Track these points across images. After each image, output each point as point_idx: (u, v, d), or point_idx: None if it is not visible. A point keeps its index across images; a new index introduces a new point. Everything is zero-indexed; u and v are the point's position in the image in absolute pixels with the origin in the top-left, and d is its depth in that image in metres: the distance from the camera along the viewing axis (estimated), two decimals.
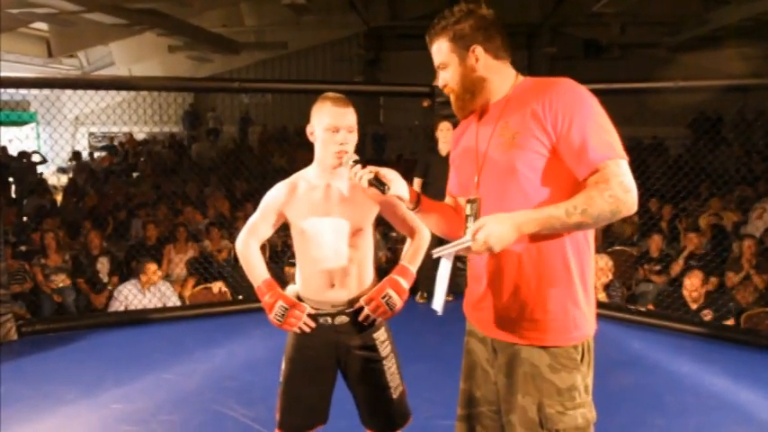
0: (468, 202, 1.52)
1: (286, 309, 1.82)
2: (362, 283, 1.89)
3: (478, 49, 1.48)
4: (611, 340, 3.92)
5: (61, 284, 5.00)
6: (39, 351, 3.69)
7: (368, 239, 1.89)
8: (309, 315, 1.85)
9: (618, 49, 13.97)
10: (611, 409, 2.91)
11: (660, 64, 12.70)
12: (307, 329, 1.84)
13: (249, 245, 1.93)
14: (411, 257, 1.94)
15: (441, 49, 1.52)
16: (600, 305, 4.37)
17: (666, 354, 3.72)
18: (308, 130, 1.84)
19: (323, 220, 1.83)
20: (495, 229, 1.30)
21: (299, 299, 1.90)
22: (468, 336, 1.65)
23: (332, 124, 1.76)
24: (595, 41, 13.81)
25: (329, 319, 1.86)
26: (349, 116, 1.78)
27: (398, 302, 1.84)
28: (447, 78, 1.54)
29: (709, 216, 6.32)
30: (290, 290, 1.92)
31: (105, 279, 5.15)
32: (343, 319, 1.86)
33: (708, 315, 4.28)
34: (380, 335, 1.92)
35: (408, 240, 1.99)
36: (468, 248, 1.34)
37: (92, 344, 3.85)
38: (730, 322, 4.27)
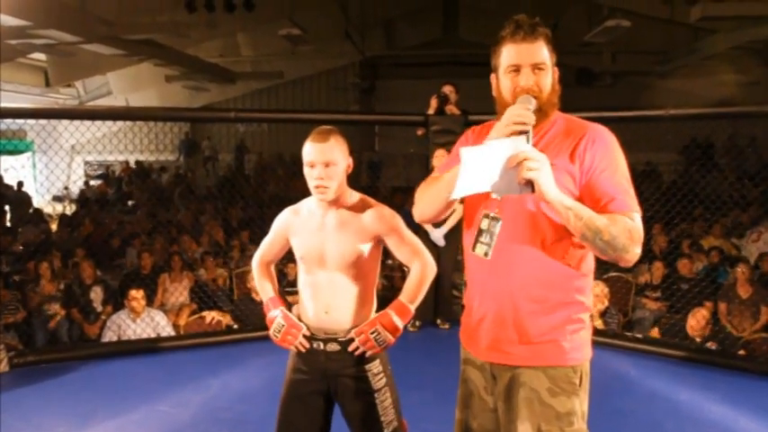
0: (487, 217, 1.49)
1: (283, 325, 1.86)
2: (360, 312, 1.88)
3: (557, 70, 1.49)
4: (607, 367, 3.90)
5: (53, 313, 4.96)
6: (31, 383, 3.63)
7: (366, 268, 1.88)
8: (305, 337, 1.87)
9: (609, 77, 14.20)
10: None
11: (651, 91, 12.90)
12: (302, 349, 1.86)
13: (260, 266, 2.04)
14: (411, 293, 1.86)
15: (542, 50, 1.44)
16: (596, 332, 4.35)
17: (664, 381, 3.69)
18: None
19: (319, 248, 1.85)
20: (548, 169, 1.32)
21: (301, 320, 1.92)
22: (465, 364, 1.64)
23: (308, 160, 1.79)
24: (587, 69, 14.02)
25: (321, 345, 1.87)
26: (326, 151, 1.78)
27: (388, 340, 1.81)
28: (539, 81, 1.44)
29: (712, 239, 6.40)
30: (296, 310, 1.96)
31: (99, 308, 5.11)
32: (335, 346, 1.86)
33: (712, 346, 4.26)
34: (374, 366, 1.90)
35: (411, 271, 1.90)
36: (515, 160, 1.30)
37: (85, 375, 3.80)
38: (742, 352, 4.24)
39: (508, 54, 1.44)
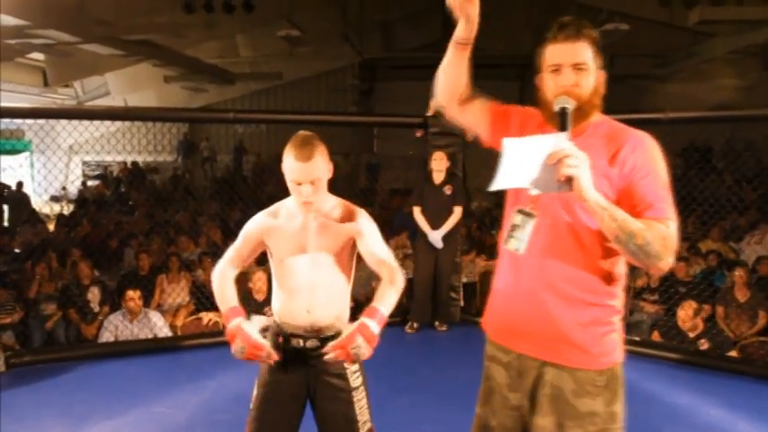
0: (521, 212, 1.50)
1: (243, 348, 1.76)
2: (337, 310, 1.89)
3: (604, 73, 1.48)
4: None
5: (50, 313, 4.94)
6: (27, 383, 3.62)
7: (344, 268, 1.91)
8: (282, 337, 1.86)
9: (607, 80, 14.21)
10: None
11: (649, 94, 12.92)
12: (271, 362, 1.81)
13: (225, 272, 1.93)
14: (382, 297, 1.81)
15: (584, 49, 1.44)
16: None
17: (663, 384, 3.69)
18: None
19: (300, 249, 1.85)
20: (587, 168, 1.31)
21: (274, 322, 1.91)
22: (490, 361, 1.65)
23: (294, 179, 1.77)
24: None
25: (301, 342, 1.87)
26: (312, 170, 1.76)
27: (367, 353, 1.74)
28: (579, 81, 1.44)
29: (710, 243, 6.40)
30: (256, 321, 1.88)
31: (96, 309, 5.10)
32: (315, 342, 1.86)
33: (705, 344, 4.27)
34: (352, 365, 1.89)
35: (383, 278, 1.88)
36: (555, 156, 1.30)
37: (81, 375, 3.79)
38: (734, 353, 4.25)
39: (550, 54, 1.46)
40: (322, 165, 1.79)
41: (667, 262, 1.36)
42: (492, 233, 7.22)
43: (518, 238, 1.49)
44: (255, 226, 1.92)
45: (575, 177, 1.30)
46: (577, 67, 1.43)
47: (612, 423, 1.50)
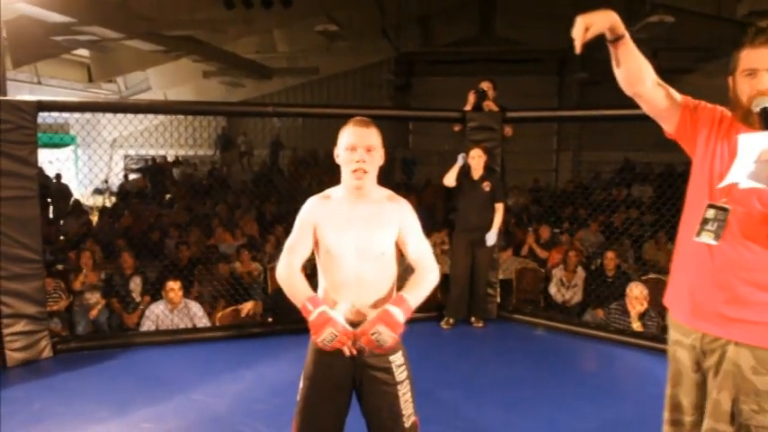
0: (713, 207, 1.59)
1: (335, 336, 1.75)
2: (382, 304, 1.86)
3: None
4: (647, 371, 3.81)
5: (94, 302, 5.09)
6: (73, 369, 3.74)
7: (391, 262, 1.90)
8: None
9: None
10: None
11: (693, 89, 12.50)
12: (349, 353, 1.83)
13: (291, 265, 1.89)
14: (412, 287, 1.83)
15: None
16: (635, 335, 4.26)
17: None
18: (335, 152, 1.88)
19: (347, 240, 1.85)
20: None
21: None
22: (674, 345, 1.75)
23: (350, 143, 1.80)
24: None
25: None
26: (368, 136, 1.82)
27: (389, 340, 1.75)
28: None
29: None
30: (340, 309, 1.87)
31: (138, 299, 5.23)
32: None
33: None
34: (397, 358, 1.90)
35: (415, 272, 1.90)
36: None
37: (124, 362, 3.89)
38: None
39: (746, 58, 1.55)
40: (378, 139, 1.84)
41: None
42: (529, 230, 7.14)
43: (710, 230, 1.59)
44: (308, 211, 1.92)
45: None
46: None
47: None
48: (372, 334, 1.74)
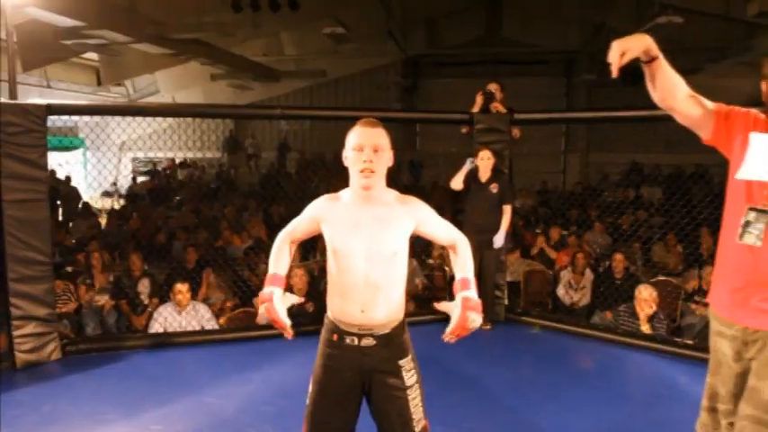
0: (754, 210, 1.67)
1: (267, 319, 1.87)
2: (391, 308, 1.87)
3: None
4: (655, 374, 3.79)
5: (103, 304, 5.12)
6: (82, 370, 3.76)
7: (401, 264, 1.89)
8: (338, 334, 1.88)
9: None
10: None
11: (702, 91, 12.45)
12: (288, 336, 1.88)
13: (285, 240, 2.00)
14: (464, 266, 1.94)
15: None
16: (644, 337, 4.24)
17: None
18: (343, 154, 1.88)
19: (356, 242, 1.84)
20: None
21: (329, 319, 1.94)
22: (716, 336, 1.82)
23: (357, 143, 1.80)
24: (634, 68, 13.65)
25: (356, 340, 1.86)
26: (376, 136, 1.82)
27: (479, 321, 1.87)
28: None
29: None
30: (289, 299, 1.93)
31: (146, 301, 5.25)
32: (370, 341, 1.85)
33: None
34: (406, 363, 1.89)
35: (453, 254, 2.00)
36: None
37: (133, 364, 3.91)
38: None
39: None
40: (385, 138, 1.85)
41: None
42: (536, 232, 7.12)
43: (752, 233, 1.67)
44: (315, 206, 1.96)
45: None
46: None
47: None
48: (470, 324, 1.84)
